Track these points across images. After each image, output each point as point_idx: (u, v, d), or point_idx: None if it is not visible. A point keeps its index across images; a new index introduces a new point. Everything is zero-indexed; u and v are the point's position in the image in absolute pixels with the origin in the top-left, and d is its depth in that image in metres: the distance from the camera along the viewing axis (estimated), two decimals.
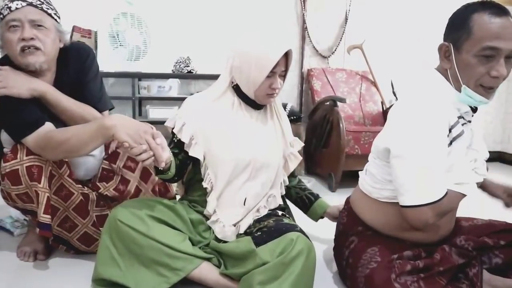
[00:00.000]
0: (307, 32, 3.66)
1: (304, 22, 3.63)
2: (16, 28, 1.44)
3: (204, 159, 1.51)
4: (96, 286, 1.38)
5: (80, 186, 1.64)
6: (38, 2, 1.48)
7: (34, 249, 1.64)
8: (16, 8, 1.43)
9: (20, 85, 1.46)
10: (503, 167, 3.98)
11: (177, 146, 1.54)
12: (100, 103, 1.66)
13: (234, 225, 1.51)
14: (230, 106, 1.55)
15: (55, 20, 1.54)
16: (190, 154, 1.50)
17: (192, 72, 3.30)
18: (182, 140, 1.49)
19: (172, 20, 3.39)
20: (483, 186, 1.54)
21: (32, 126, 1.46)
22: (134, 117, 3.13)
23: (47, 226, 1.48)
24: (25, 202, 1.53)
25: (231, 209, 1.51)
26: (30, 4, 1.46)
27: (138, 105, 3.38)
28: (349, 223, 1.54)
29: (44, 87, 1.51)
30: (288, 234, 1.34)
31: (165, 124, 1.58)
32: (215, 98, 1.56)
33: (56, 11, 1.56)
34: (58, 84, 1.58)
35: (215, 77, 3.42)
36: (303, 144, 1.71)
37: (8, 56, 1.53)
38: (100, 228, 1.61)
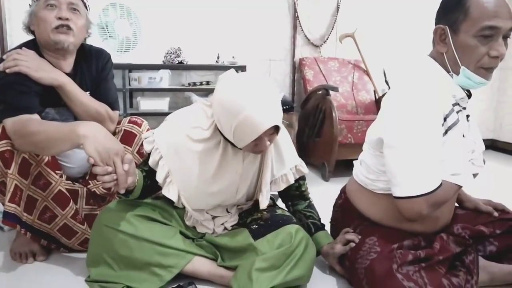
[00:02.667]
0: (299, 21, 3.63)
1: (295, 11, 3.60)
2: (53, 7, 1.52)
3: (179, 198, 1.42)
4: (92, 285, 1.36)
5: (69, 182, 1.63)
6: None
7: (30, 250, 1.58)
8: None
9: (42, 71, 1.50)
10: (495, 155, 4.00)
11: (150, 169, 1.42)
12: (116, 103, 1.73)
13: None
14: (213, 146, 1.38)
15: (87, 9, 1.63)
16: (163, 193, 1.39)
17: (183, 63, 3.27)
18: (157, 179, 1.38)
19: (162, 10, 3.35)
20: (458, 200, 1.55)
21: (20, 110, 1.44)
22: (125, 109, 3.10)
23: (12, 217, 1.45)
24: (4, 194, 1.49)
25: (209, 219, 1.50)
26: None
27: (129, 97, 3.35)
28: (345, 214, 1.53)
29: (65, 79, 1.55)
30: (286, 227, 1.36)
31: (143, 145, 1.43)
32: (198, 138, 1.37)
33: (87, 1, 1.64)
34: (79, 77, 1.63)
35: (206, 67, 3.45)
36: (306, 172, 1.54)
37: (32, 42, 1.59)
38: (84, 224, 1.59)
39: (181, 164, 1.37)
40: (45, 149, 1.41)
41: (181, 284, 1.31)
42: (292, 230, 1.34)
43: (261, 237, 1.36)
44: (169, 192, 1.38)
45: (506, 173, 3.32)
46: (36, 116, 1.47)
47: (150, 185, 1.42)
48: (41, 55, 1.56)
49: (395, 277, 1.17)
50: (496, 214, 1.50)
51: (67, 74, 1.58)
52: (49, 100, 1.55)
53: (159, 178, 1.37)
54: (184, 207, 1.44)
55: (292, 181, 1.49)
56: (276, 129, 1.29)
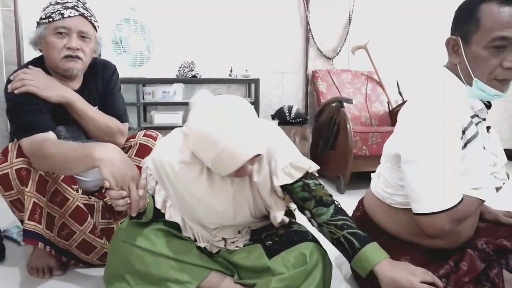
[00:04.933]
0: (311, 34, 3.64)
1: (307, 23, 3.61)
2: (64, 35, 1.49)
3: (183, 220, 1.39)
4: None
5: (85, 196, 1.63)
6: (88, 14, 1.54)
7: (47, 265, 1.58)
8: (69, 16, 1.48)
9: (50, 89, 1.49)
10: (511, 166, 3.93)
11: None
12: (125, 115, 1.72)
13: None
14: (198, 174, 1.31)
15: (96, 30, 1.60)
16: (166, 218, 1.36)
17: (197, 77, 3.29)
18: (155, 204, 1.35)
19: (175, 24, 3.38)
20: (480, 214, 1.50)
21: (34, 129, 1.44)
22: (139, 122, 3.12)
23: (32, 234, 1.45)
24: (20, 211, 1.49)
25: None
26: (82, 15, 1.52)
27: (143, 111, 3.37)
28: (364, 227, 1.50)
29: (74, 96, 1.53)
30: (300, 245, 1.31)
31: (142, 169, 1.39)
32: (180, 167, 1.31)
33: (97, 21, 1.60)
34: (87, 93, 1.62)
35: (219, 80, 3.46)
36: (307, 167, 1.32)
37: (39, 59, 1.57)
38: (103, 238, 1.59)
39: (174, 191, 1.34)
40: (62, 171, 1.43)
41: None
42: (306, 250, 1.29)
43: (275, 254, 1.32)
44: (171, 216, 1.36)
45: None
46: (51, 135, 1.47)
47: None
48: (48, 73, 1.55)
49: None
50: None
51: (75, 90, 1.58)
52: (59, 118, 1.55)
53: (158, 203, 1.35)
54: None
55: (282, 181, 1.30)
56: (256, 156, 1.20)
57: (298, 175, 1.31)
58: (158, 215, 1.38)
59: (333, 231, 1.26)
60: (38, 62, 1.56)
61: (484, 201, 1.27)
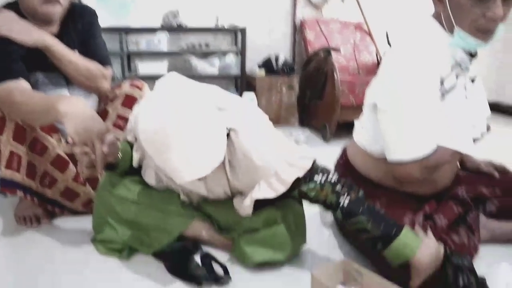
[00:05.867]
0: None
1: None
2: None
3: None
4: (97, 245, 1.39)
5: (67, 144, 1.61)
6: None
7: (34, 214, 1.58)
8: None
9: (25, 33, 1.43)
10: (497, 117, 3.97)
11: None
12: (107, 59, 1.66)
13: None
14: None
15: None
16: (142, 176, 1.36)
17: (182, 26, 3.21)
18: (133, 162, 1.34)
19: None
20: (460, 161, 1.53)
21: (6, 76, 1.40)
22: (123, 72, 3.06)
23: (10, 183, 1.45)
24: None
25: None
26: None
27: (127, 60, 3.30)
28: (346, 174, 1.52)
29: (51, 40, 1.47)
30: (278, 202, 1.32)
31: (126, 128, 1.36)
32: None
33: None
34: (66, 38, 1.56)
35: (205, 30, 3.38)
36: (290, 180, 1.18)
37: (13, 3, 1.50)
38: (86, 185, 1.58)
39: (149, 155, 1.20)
40: (30, 121, 1.40)
41: (185, 243, 1.32)
42: (282, 207, 1.31)
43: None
44: (146, 176, 1.35)
45: (508, 135, 3.31)
46: (23, 83, 1.42)
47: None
48: (23, 17, 1.48)
49: None
50: (497, 175, 1.50)
51: (53, 35, 1.51)
52: (37, 64, 1.50)
53: (134, 161, 1.33)
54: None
55: (264, 194, 1.18)
56: None
57: (282, 189, 1.18)
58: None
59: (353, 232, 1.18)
60: (12, 6, 1.50)
61: (460, 152, 1.29)
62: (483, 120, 1.37)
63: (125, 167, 1.36)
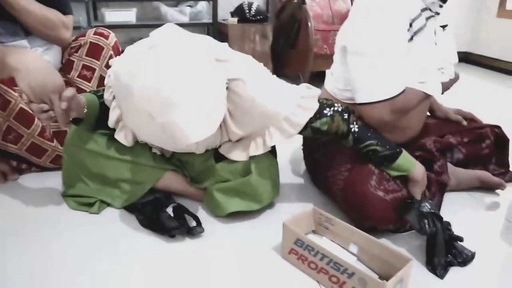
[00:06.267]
0: None
1: None
2: None
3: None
4: (67, 200, 1.37)
5: None
6: None
7: (0, 170, 1.54)
8: None
9: None
10: (469, 68, 4.01)
11: None
12: (67, 7, 1.55)
13: None
14: None
15: None
16: (115, 137, 1.28)
17: None
18: (108, 122, 1.27)
19: None
20: (430, 109, 1.54)
21: None
22: (89, 22, 2.92)
23: None
24: None
25: None
26: None
27: (93, 8, 3.15)
28: None
29: None
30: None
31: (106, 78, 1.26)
32: None
33: None
34: None
35: None
36: (302, 122, 1.21)
37: None
38: (54, 141, 1.53)
39: (129, 114, 1.12)
40: None
41: (157, 196, 1.32)
42: (254, 157, 1.27)
43: (224, 159, 1.32)
44: (120, 137, 1.28)
45: (478, 85, 3.36)
46: None
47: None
48: None
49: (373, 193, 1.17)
50: (465, 123, 1.52)
51: None
52: None
53: (110, 121, 1.26)
54: None
55: (275, 140, 1.22)
56: None
57: (294, 132, 1.22)
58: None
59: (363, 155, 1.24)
60: None
61: (428, 95, 1.30)
62: (451, 65, 1.38)
63: (91, 122, 1.30)
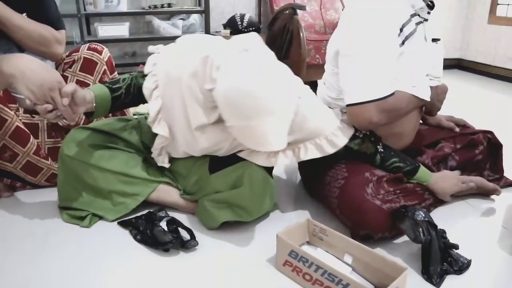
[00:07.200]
0: None
1: None
2: None
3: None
4: (63, 212, 1.36)
5: (27, 115, 1.54)
6: None
7: None
8: None
9: None
10: (461, 74, 4.03)
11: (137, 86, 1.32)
12: (59, 21, 1.55)
13: None
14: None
15: None
16: (154, 130, 1.28)
17: None
18: (149, 111, 1.26)
19: None
20: (422, 117, 1.55)
21: None
22: (82, 36, 2.93)
23: None
24: None
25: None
26: None
27: (86, 23, 3.16)
28: None
29: None
30: (243, 164, 1.28)
31: (146, 63, 1.29)
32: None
33: None
34: (12, 2, 1.43)
35: None
36: (341, 144, 1.27)
37: None
38: (49, 159, 1.53)
39: (170, 107, 1.21)
40: None
41: (151, 210, 1.31)
42: (247, 169, 1.26)
43: (218, 170, 1.32)
44: (159, 130, 1.27)
45: (470, 91, 3.38)
46: None
47: (128, 101, 1.32)
48: None
49: (371, 202, 1.17)
50: (457, 129, 1.53)
51: None
52: None
53: (152, 112, 1.25)
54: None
55: (310, 155, 1.26)
56: None
57: (331, 151, 1.26)
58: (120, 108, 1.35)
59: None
60: None
61: (419, 101, 1.31)
62: (440, 71, 1.40)
63: (102, 114, 1.29)
